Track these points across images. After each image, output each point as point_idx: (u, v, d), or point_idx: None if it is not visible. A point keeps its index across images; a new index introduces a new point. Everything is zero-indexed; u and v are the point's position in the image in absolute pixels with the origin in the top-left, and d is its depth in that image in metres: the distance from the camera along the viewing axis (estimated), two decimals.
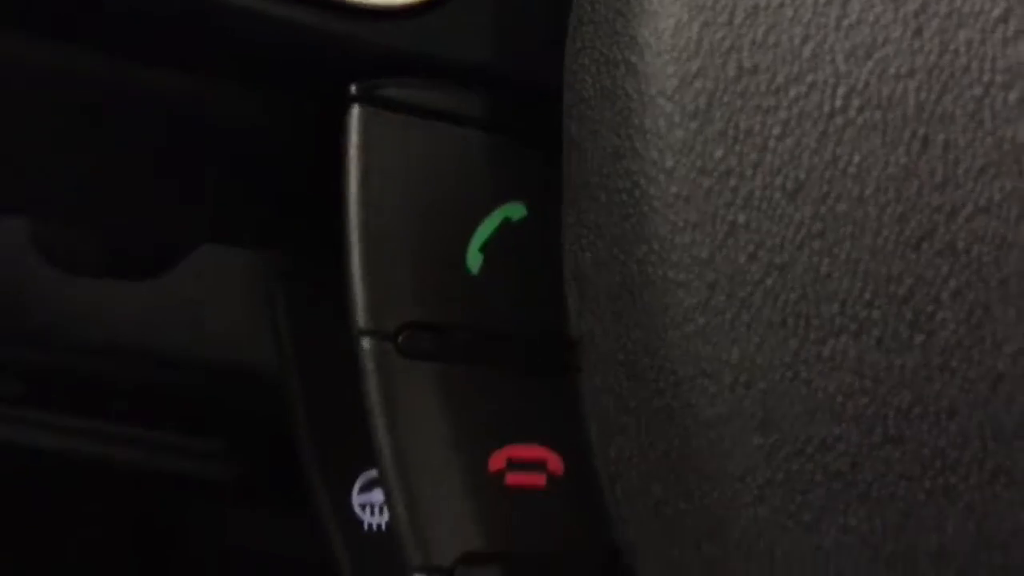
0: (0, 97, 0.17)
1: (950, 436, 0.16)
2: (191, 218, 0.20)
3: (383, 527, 0.24)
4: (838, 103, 0.16)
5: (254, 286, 0.39)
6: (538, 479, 0.19)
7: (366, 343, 0.18)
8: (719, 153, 0.16)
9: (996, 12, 0.15)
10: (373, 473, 0.24)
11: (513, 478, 0.19)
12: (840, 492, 0.16)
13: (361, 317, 0.18)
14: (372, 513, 0.23)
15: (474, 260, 0.19)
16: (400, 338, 0.18)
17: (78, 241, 0.24)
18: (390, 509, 0.18)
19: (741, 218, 0.16)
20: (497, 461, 0.19)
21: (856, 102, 0.16)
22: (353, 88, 0.18)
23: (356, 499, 0.23)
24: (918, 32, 0.15)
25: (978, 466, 0.16)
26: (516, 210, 0.19)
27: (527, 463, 0.19)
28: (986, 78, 0.15)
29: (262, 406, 0.42)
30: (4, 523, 0.43)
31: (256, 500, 0.52)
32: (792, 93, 0.16)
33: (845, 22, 0.16)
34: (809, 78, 0.16)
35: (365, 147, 0.18)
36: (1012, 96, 0.15)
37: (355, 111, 0.18)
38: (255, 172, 0.19)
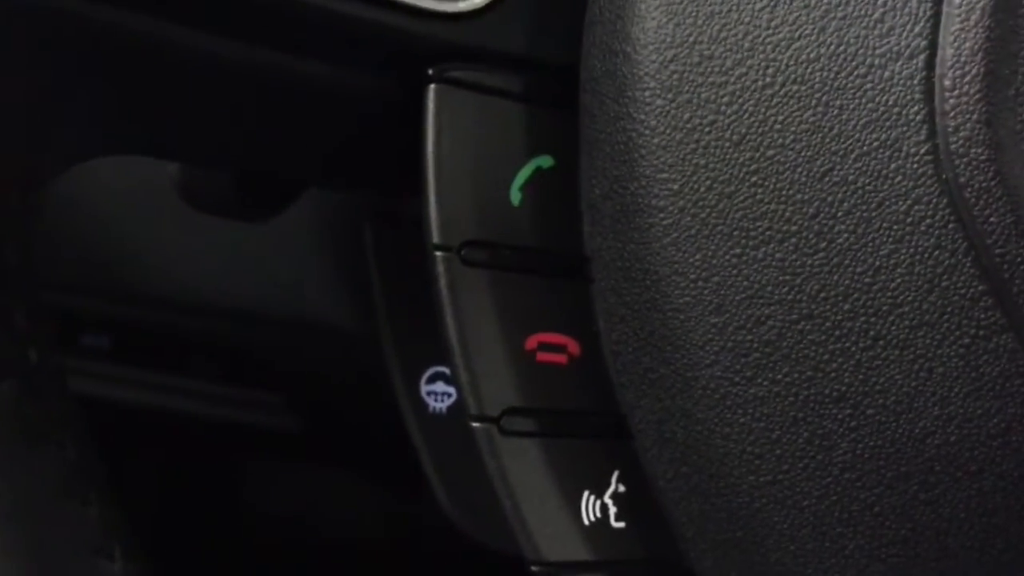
0: (167, 74, 0.24)
1: (845, 313, 0.22)
2: (307, 166, 0.27)
3: (443, 410, 0.30)
4: (767, 79, 0.22)
5: (321, 245, 0.43)
6: (561, 358, 0.26)
7: (438, 255, 0.25)
8: (686, 116, 0.23)
9: (875, 14, 0.22)
10: (436, 369, 0.30)
11: (542, 356, 0.26)
12: (770, 355, 0.23)
13: (435, 236, 0.24)
14: (435, 399, 0.30)
15: (515, 196, 0.26)
16: (462, 251, 0.25)
17: (215, 186, 0.31)
18: (454, 376, 0.25)
19: (702, 161, 0.23)
20: (531, 343, 0.26)
21: (780, 79, 0.22)
22: (430, 71, 0.25)
23: (423, 388, 0.30)
24: (823, 30, 0.22)
25: (864, 334, 0.22)
26: (546, 160, 0.26)
27: (553, 346, 0.26)
28: (868, 62, 0.22)
29: (326, 360, 0.46)
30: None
31: (313, 454, 0.56)
32: (737, 72, 0.22)
33: (773, 23, 0.22)
34: (748, 62, 0.22)
35: (438, 114, 0.24)
36: (885, 73, 0.22)
37: (431, 88, 0.24)
38: (357, 134, 0.26)
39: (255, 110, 0.25)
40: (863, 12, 0.22)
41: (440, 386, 0.30)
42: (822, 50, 0.22)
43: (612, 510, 0.26)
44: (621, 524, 0.26)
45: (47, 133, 0.22)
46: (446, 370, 0.30)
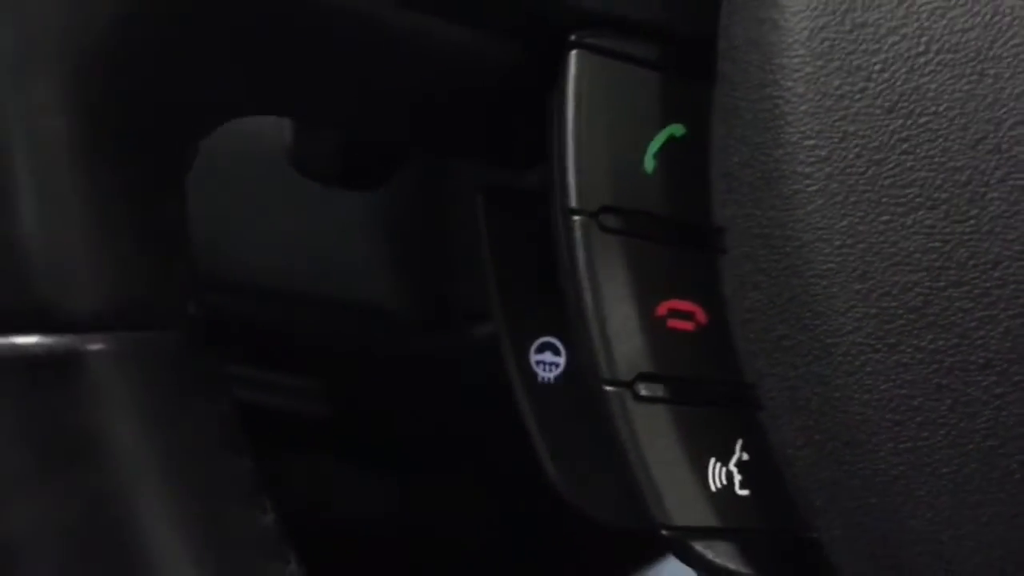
0: (308, 34, 0.24)
1: (994, 280, 0.22)
2: (434, 132, 0.27)
3: (551, 380, 0.30)
4: (921, 48, 0.22)
5: (376, 230, 0.43)
6: (689, 325, 0.26)
7: (576, 219, 0.25)
8: (836, 83, 0.23)
9: None
10: (546, 338, 0.30)
11: (672, 323, 0.26)
12: (915, 321, 0.23)
13: (573, 200, 0.25)
14: (544, 369, 0.30)
15: (649, 164, 0.26)
16: (599, 217, 0.25)
17: (324, 153, 0.31)
18: (586, 341, 0.25)
19: (851, 128, 0.23)
20: (661, 310, 0.26)
21: (934, 47, 0.22)
22: (572, 37, 0.25)
23: (533, 357, 0.30)
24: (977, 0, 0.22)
25: (1013, 301, 0.22)
26: (678, 129, 0.26)
27: (683, 313, 0.26)
28: (1023, 31, 0.22)
29: (366, 342, 0.46)
30: None
31: (336, 442, 0.55)
32: (889, 40, 0.23)
33: None
34: (902, 30, 0.23)
35: (579, 79, 0.25)
36: None
37: (573, 54, 0.25)
38: (489, 100, 0.26)
39: (392, 73, 0.25)
40: None
41: (549, 356, 0.30)
42: (976, 19, 0.22)
43: (737, 478, 0.26)
44: (745, 492, 0.26)
45: (199, 88, 0.22)
46: (554, 340, 0.30)
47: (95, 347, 0.19)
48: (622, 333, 0.25)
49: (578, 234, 0.25)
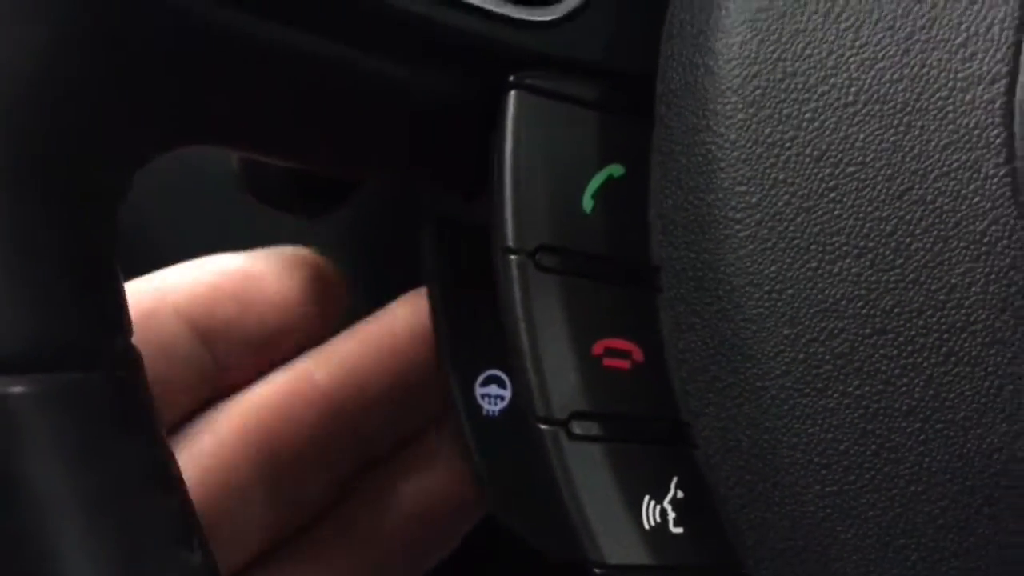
0: (260, 70, 0.24)
1: (918, 328, 0.23)
2: (377, 163, 0.27)
3: (495, 414, 0.31)
4: (850, 98, 0.23)
5: (343, 251, 0.43)
6: (624, 364, 0.26)
7: (512, 258, 0.25)
8: (767, 130, 0.23)
9: (959, 40, 0.22)
10: (491, 371, 0.31)
11: (608, 361, 0.26)
12: (842, 368, 0.23)
13: (510, 239, 0.25)
14: (489, 402, 0.31)
15: (587, 203, 0.26)
16: (536, 256, 0.25)
17: (275, 179, 0.31)
18: (522, 379, 0.26)
19: (781, 176, 0.23)
20: (598, 348, 0.26)
21: (863, 98, 0.23)
22: (511, 77, 0.25)
23: (478, 390, 0.31)
24: (906, 51, 0.22)
25: (937, 350, 0.23)
26: (617, 169, 0.26)
27: (619, 351, 0.26)
28: (949, 84, 0.22)
29: None
30: None
31: None
32: (819, 90, 0.23)
33: (857, 43, 0.23)
34: (831, 80, 0.23)
35: (517, 120, 0.25)
36: (966, 97, 0.22)
37: (512, 94, 0.25)
38: (427, 133, 0.27)
39: (334, 106, 0.25)
40: (946, 37, 0.22)
41: (494, 389, 0.30)
42: (905, 71, 0.22)
43: (671, 515, 0.26)
44: (680, 529, 0.26)
45: (136, 120, 0.23)
46: (500, 373, 0.30)
47: (15, 390, 0.19)
48: (557, 371, 0.25)
49: (515, 273, 0.25)
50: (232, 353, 0.31)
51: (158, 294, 0.30)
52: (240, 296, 0.30)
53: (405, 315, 0.32)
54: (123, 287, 0.23)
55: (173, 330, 0.30)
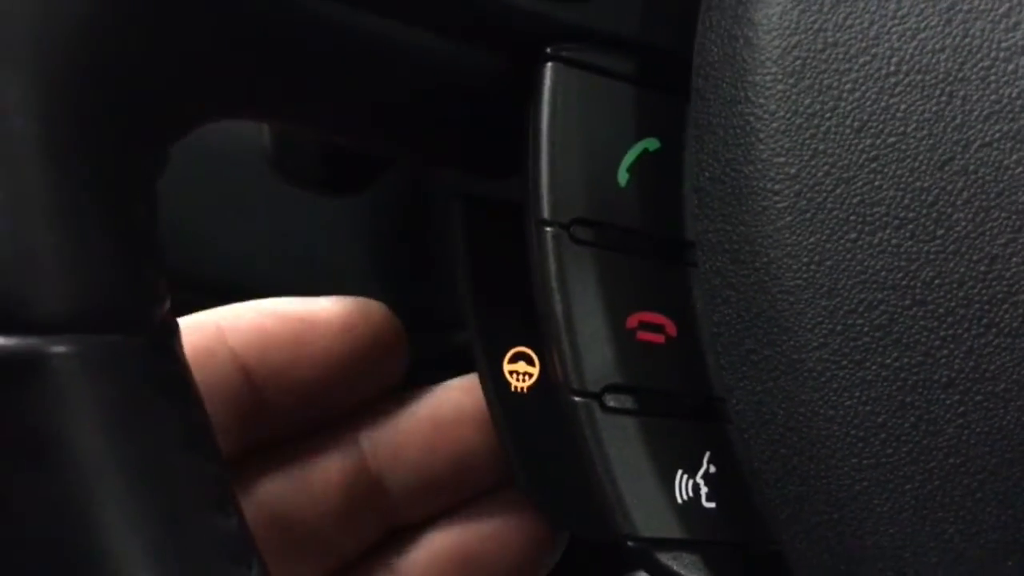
0: (288, 38, 0.24)
1: (958, 300, 0.23)
2: (409, 139, 0.27)
3: (524, 390, 0.31)
4: (892, 68, 0.23)
5: (357, 236, 0.43)
6: (659, 338, 0.26)
7: (548, 230, 0.25)
8: (807, 101, 0.23)
9: (1001, 10, 0.22)
10: (520, 348, 0.31)
11: (642, 335, 0.26)
12: (880, 339, 0.23)
13: (545, 211, 0.25)
14: (518, 379, 0.30)
15: (623, 177, 0.26)
16: (571, 228, 0.25)
17: (306, 158, 0.31)
18: (556, 351, 0.25)
19: (821, 146, 0.23)
20: (632, 321, 0.26)
21: (904, 68, 0.23)
22: (548, 49, 0.25)
23: (506, 367, 0.30)
24: (948, 22, 0.22)
25: (977, 321, 0.23)
26: (652, 143, 0.26)
27: (653, 325, 0.26)
28: (992, 54, 0.22)
29: None
30: None
31: None
32: (861, 60, 0.23)
33: (899, 13, 0.23)
34: (873, 50, 0.23)
35: (553, 92, 0.25)
36: (1010, 67, 0.22)
37: (549, 66, 0.25)
38: (463, 110, 0.26)
39: (371, 80, 0.25)
40: (990, 6, 0.22)
41: (522, 365, 0.30)
42: (947, 41, 0.22)
43: (704, 490, 0.26)
44: (712, 504, 0.26)
45: (176, 90, 0.23)
46: (528, 350, 0.30)
47: (59, 349, 0.19)
48: (591, 344, 0.25)
49: (550, 245, 0.25)
50: (281, 401, 0.30)
51: (217, 333, 0.30)
52: (295, 343, 0.30)
53: (461, 399, 0.32)
54: (163, 259, 0.23)
55: (227, 371, 0.29)
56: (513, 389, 0.30)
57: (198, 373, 0.23)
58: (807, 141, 0.23)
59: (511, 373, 0.30)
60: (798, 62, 0.23)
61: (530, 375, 0.30)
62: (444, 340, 0.43)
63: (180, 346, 0.22)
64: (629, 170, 0.26)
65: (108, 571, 0.20)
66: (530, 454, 0.30)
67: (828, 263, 0.23)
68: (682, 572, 0.26)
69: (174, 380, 0.22)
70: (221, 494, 0.22)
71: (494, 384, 0.30)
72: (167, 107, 0.22)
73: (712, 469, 0.26)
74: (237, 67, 0.23)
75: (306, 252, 0.42)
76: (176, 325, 0.23)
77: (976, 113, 0.22)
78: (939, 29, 0.22)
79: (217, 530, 0.21)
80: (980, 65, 0.22)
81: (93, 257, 0.20)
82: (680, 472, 0.26)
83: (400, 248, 0.42)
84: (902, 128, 0.23)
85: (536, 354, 0.30)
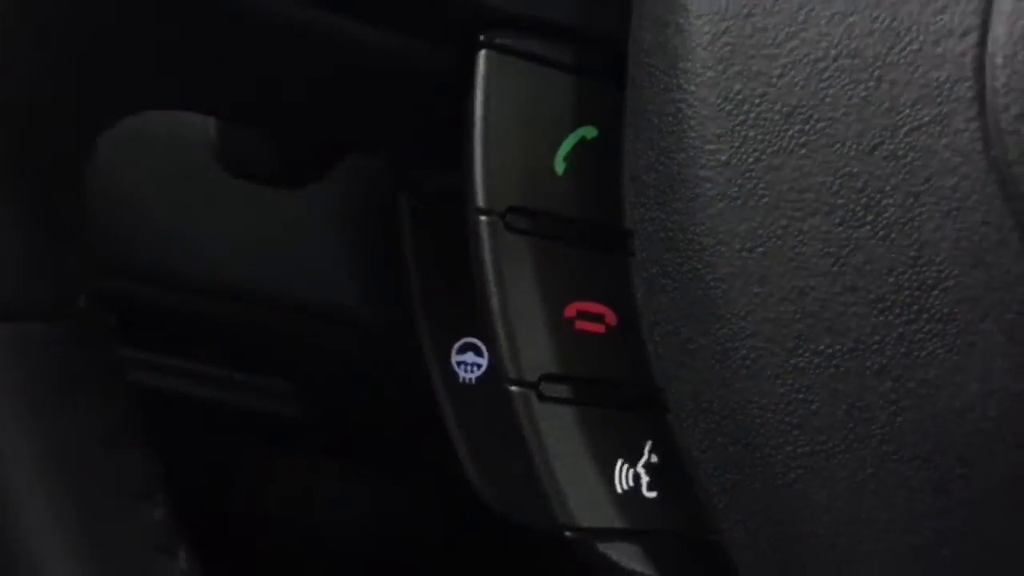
0: (225, 30, 0.24)
1: (889, 286, 0.22)
2: (350, 128, 0.27)
3: (472, 381, 0.31)
4: (820, 53, 0.23)
5: (341, 232, 0.43)
6: (599, 328, 0.26)
7: (483, 219, 0.25)
8: (737, 87, 0.23)
9: None
10: (468, 339, 0.31)
11: (581, 325, 0.26)
12: (812, 326, 0.23)
13: (480, 199, 0.25)
14: (466, 370, 0.30)
15: (559, 166, 0.26)
16: (506, 217, 0.25)
17: (254, 151, 0.31)
18: (493, 341, 0.25)
19: (751, 133, 0.23)
20: (570, 311, 0.26)
21: (833, 53, 0.22)
22: (482, 37, 0.25)
23: (454, 358, 0.30)
24: (877, 4, 0.22)
25: (907, 307, 0.22)
26: (590, 131, 0.26)
27: (592, 315, 0.26)
28: (920, 38, 0.22)
29: (339, 347, 0.46)
30: None
31: (311, 442, 0.55)
32: (789, 46, 0.23)
33: None
34: (802, 35, 0.23)
35: (487, 80, 0.25)
36: (938, 50, 0.22)
37: (482, 54, 0.25)
38: (401, 99, 0.26)
39: (305, 70, 0.25)
40: None
41: (470, 356, 0.30)
42: (875, 25, 0.22)
43: (644, 479, 0.26)
44: (653, 494, 0.26)
45: (104, 79, 0.22)
46: (477, 341, 0.30)
47: None
48: (529, 334, 0.25)
49: (485, 233, 0.25)
50: None
51: None
52: None
53: None
54: (91, 248, 0.23)
55: None
56: (461, 380, 0.30)
57: None
58: (737, 128, 0.23)
59: (459, 364, 0.30)
60: (727, 48, 0.23)
61: (478, 366, 0.30)
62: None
63: (110, 335, 0.22)
64: (566, 159, 0.26)
65: (29, 567, 0.20)
66: (479, 446, 0.30)
67: (760, 250, 0.23)
68: (622, 562, 0.26)
69: (96, 368, 0.21)
70: (145, 484, 0.22)
71: (443, 376, 0.30)
72: (93, 97, 0.22)
73: (654, 458, 0.26)
74: (163, 57, 0.23)
75: (292, 252, 0.42)
76: (106, 314, 0.22)
77: (904, 97, 0.22)
78: (867, 13, 0.22)
79: (139, 521, 0.21)
80: (908, 49, 0.22)
81: (10, 245, 0.20)
82: (620, 461, 0.26)
83: (383, 246, 0.41)
84: (831, 113, 0.22)
85: (485, 345, 0.30)
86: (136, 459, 0.21)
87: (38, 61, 0.21)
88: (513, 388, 0.25)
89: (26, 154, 0.21)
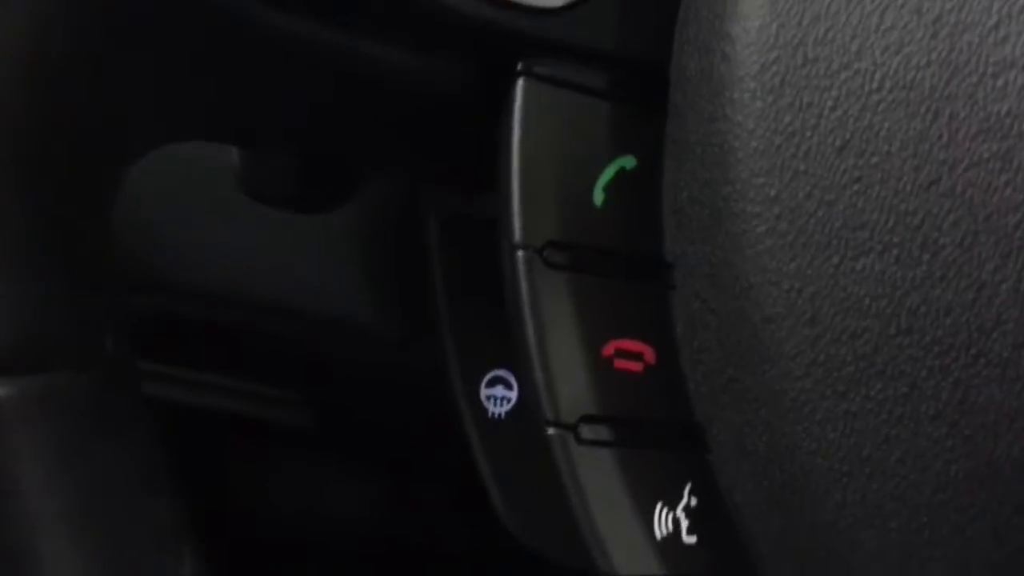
0: (254, 57, 0.23)
1: (946, 328, 0.22)
2: (383, 153, 0.26)
3: (502, 416, 0.30)
4: (875, 85, 0.22)
5: (348, 245, 0.42)
6: (637, 366, 0.25)
7: (520, 254, 0.24)
8: (787, 119, 0.22)
9: (991, 22, 0.21)
10: (497, 372, 0.30)
11: (619, 363, 0.25)
12: (865, 369, 0.22)
13: (518, 234, 0.24)
14: (495, 404, 0.29)
15: (598, 196, 0.25)
16: (544, 252, 0.24)
17: (277, 177, 0.30)
18: (529, 381, 0.24)
19: (801, 167, 0.22)
20: (608, 350, 0.25)
21: (888, 84, 0.21)
22: (519, 65, 0.24)
23: (483, 392, 0.29)
24: (934, 35, 0.21)
25: (965, 351, 0.22)
26: (629, 161, 0.25)
27: (630, 353, 0.25)
28: (981, 69, 0.21)
29: (350, 359, 0.46)
30: None
31: (320, 448, 0.55)
32: (842, 76, 0.22)
33: (882, 27, 0.22)
34: (855, 66, 0.22)
35: (525, 110, 0.24)
36: (999, 83, 0.21)
37: (520, 82, 0.24)
38: (438, 123, 0.25)
39: (338, 94, 0.24)
40: (977, 19, 0.21)
41: (500, 390, 0.29)
42: (933, 56, 0.21)
43: (684, 523, 0.25)
44: (693, 538, 0.25)
45: (128, 115, 0.22)
46: (506, 374, 0.29)
47: (1, 392, 0.18)
48: (566, 373, 0.24)
49: (522, 270, 0.24)
50: None
51: None
52: None
53: None
54: (118, 286, 0.22)
55: None
56: (490, 415, 0.29)
57: None
58: (787, 161, 0.22)
59: (488, 398, 0.29)
60: (777, 78, 0.22)
61: (508, 400, 0.29)
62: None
63: (135, 376, 0.22)
64: (605, 189, 0.25)
65: None
66: (509, 481, 0.29)
67: (810, 289, 0.22)
68: None
69: (124, 416, 0.21)
70: (172, 531, 0.21)
71: (471, 410, 0.29)
72: (115, 134, 0.21)
73: (693, 501, 0.25)
74: (189, 87, 0.22)
75: (304, 263, 0.41)
76: (130, 353, 0.22)
77: (963, 132, 0.21)
78: (924, 43, 0.21)
79: (166, 569, 0.20)
80: (968, 81, 0.21)
81: (35, 292, 0.19)
82: (660, 505, 0.25)
83: (396, 257, 0.41)
84: (886, 148, 0.21)
85: (515, 378, 0.29)
86: (164, 504, 0.21)
87: (62, 92, 0.20)
88: (551, 431, 0.24)
89: (48, 191, 0.20)
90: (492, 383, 0.29)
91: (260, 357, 0.47)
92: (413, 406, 0.48)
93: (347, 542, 0.56)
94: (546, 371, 0.24)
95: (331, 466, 0.56)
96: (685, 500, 0.25)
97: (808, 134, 0.22)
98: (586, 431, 0.24)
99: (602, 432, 0.24)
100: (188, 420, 0.47)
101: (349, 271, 0.41)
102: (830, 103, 0.22)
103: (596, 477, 0.24)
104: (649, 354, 0.25)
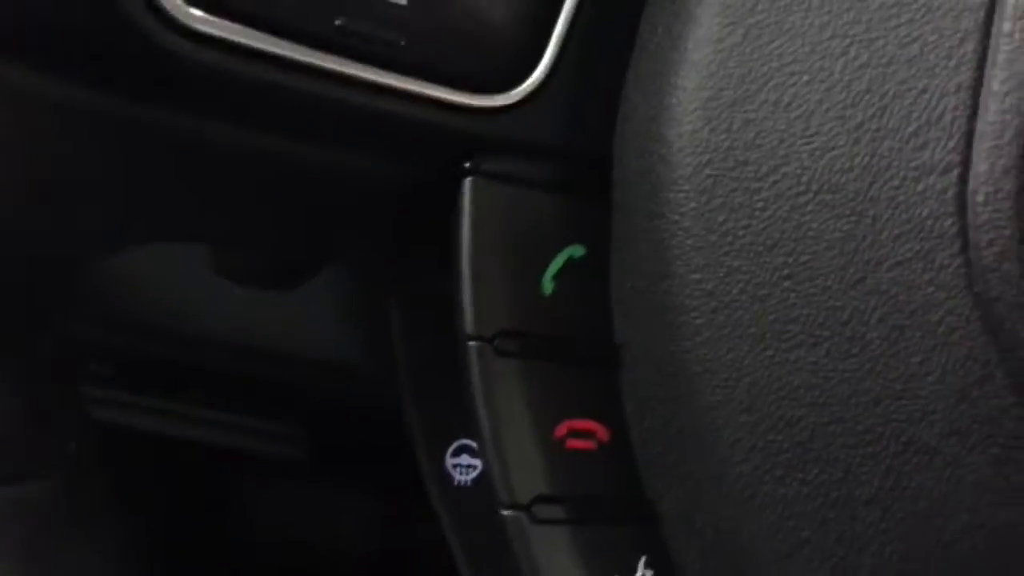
0: (207, 166, 0.24)
1: (876, 417, 0.23)
2: (340, 245, 0.27)
3: (468, 483, 0.31)
4: (802, 187, 0.23)
5: (342, 295, 0.43)
6: (590, 444, 0.26)
7: (472, 344, 0.25)
8: (721, 218, 0.23)
9: (910, 129, 0.22)
10: (462, 441, 0.31)
11: (572, 443, 0.26)
12: (801, 456, 0.23)
13: (469, 326, 0.25)
14: (460, 472, 0.30)
15: (547, 286, 0.26)
16: (495, 342, 0.25)
17: (247, 261, 0.31)
18: (485, 463, 0.25)
19: (735, 263, 0.23)
20: (561, 430, 0.26)
21: (814, 187, 0.22)
22: (467, 164, 0.25)
23: (448, 461, 0.30)
24: (856, 141, 0.22)
25: (895, 439, 0.23)
26: (577, 250, 0.26)
27: (583, 432, 0.26)
28: (901, 174, 0.22)
29: (341, 396, 0.46)
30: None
31: (319, 479, 0.55)
32: (771, 179, 0.23)
33: (808, 132, 0.23)
34: (783, 170, 0.23)
35: (473, 207, 0.25)
36: (919, 187, 0.22)
37: (467, 182, 0.25)
38: (391, 218, 0.26)
39: (290, 197, 0.25)
40: (897, 126, 0.22)
41: (465, 459, 0.30)
42: (856, 161, 0.22)
43: None
44: None
45: (80, 220, 0.23)
46: (472, 443, 0.30)
47: None
48: (519, 456, 0.25)
49: (474, 359, 0.25)
50: None
51: None
52: None
53: None
54: (75, 389, 0.23)
55: None
56: (456, 483, 0.30)
57: None
58: (721, 258, 0.23)
59: (454, 467, 0.30)
60: (709, 180, 0.23)
61: (474, 467, 0.30)
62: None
63: (103, 476, 0.23)
64: (555, 278, 0.26)
65: None
66: (476, 547, 0.30)
67: (747, 379, 0.23)
68: None
69: (92, 511, 0.22)
70: None
71: (437, 479, 0.30)
72: (67, 244, 0.22)
73: (648, 573, 0.26)
74: (144, 196, 0.23)
75: (299, 308, 0.42)
76: (95, 447, 0.23)
77: (887, 233, 0.22)
78: (848, 149, 0.22)
79: None
80: (889, 185, 0.22)
81: None
82: None
83: (369, 306, 0.41)
84: (814, 247, 0.22)
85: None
86: None
87: (18, 214, 0.21)
88: (506, 512, 0.25)
89: (8, 317, 0.21)
90: (457, 452, 0.30)
91: (254, 392, 0.48)
92: (403, 437, 0.49)
93: (343, 568, 0.56)
94: (499, 456, 0.25)
95: (326, 493, 0.57)
96: (640, 572, 0.26)
97: (740, 233, 0.23)
98: (541, 511, 0.25)
99: (556, 511, 0.25)
100: (185, 452, 0.49)
101: (344, 314, 0.41)
102: (760, 204, 0.23)
103: (551, 555, 0.25)
104: (602, 432, 0.26)
